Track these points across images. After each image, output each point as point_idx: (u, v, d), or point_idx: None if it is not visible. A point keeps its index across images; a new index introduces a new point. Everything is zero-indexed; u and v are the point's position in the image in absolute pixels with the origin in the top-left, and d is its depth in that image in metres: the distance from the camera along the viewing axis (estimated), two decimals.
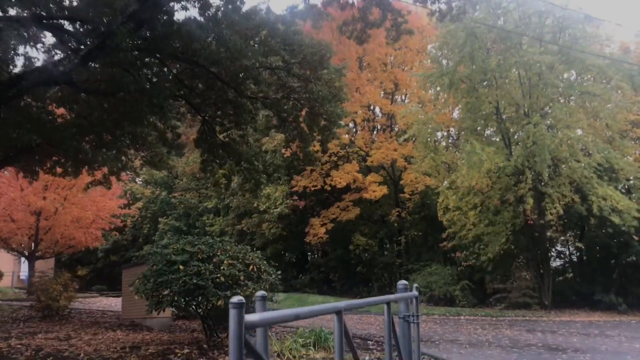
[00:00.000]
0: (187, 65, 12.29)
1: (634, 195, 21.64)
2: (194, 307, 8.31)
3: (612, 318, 18.86)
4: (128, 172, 17.43)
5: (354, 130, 31.48)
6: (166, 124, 14.55)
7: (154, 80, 12.94)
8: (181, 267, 7.97)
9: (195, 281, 7.81)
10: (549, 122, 21.60)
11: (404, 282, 5.51)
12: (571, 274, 24.91)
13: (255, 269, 8.66)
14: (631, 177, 22.88)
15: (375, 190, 26.74)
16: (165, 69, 12.68)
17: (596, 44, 22.01)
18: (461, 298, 23.41)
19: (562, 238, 24.66)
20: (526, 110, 21.22)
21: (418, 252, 28.83)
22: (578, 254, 24.74)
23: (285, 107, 14.16)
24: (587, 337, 11.51)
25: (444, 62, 23.67)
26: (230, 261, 8.33)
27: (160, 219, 39.83)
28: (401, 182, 28.77)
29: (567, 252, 25.74)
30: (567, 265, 25.73)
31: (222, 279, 7.90)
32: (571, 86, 20.83)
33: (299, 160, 29.52)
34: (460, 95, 22.02)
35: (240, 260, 8.62)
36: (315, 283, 32.11)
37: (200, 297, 7.88)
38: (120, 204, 24.16)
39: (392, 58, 29.04)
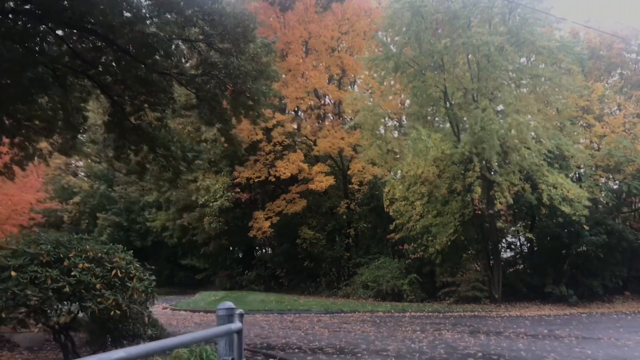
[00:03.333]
0: (81, 32, 10.59)
1: (584, 183, 20.93)
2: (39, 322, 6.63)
3: (563, 311, 18.16)
4: (38, 161, 15.51)
5: (301, 118, 30.00)
6: (66, 105, 12.84)
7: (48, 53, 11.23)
8: (13, 273, 6.33)
9: (29, 292, 6.16)
10: (498, 107, 20.70)
11: (227, 305, 4.07)
12: (522, 266, 24.15)
13: (120, 274, 7.06)
14: (582, 165, 22.22)
15: (322, 180, 25.37)
16: (55, 39, 10.92)
17: (547, 26, 21.16)
18: (409, 293, 22.34)
19: (513, 228, 23.83)
20: (475, 95, 20.19)
21: (367, 245, 27.64)
22: (529, 244, 24.00)
23: (208, 85, 12.59)
24: (535, 341, 10.39)
25: (391, 45, 22.41)
26: (86, 264, 6.75)
27: (98, 214, 37.57)
28: (348, 172, 27.50)
29: (518, 243, 24.96)
30: (517, 256, 24.97)
31: (68, 288, 6.31)
32: (521, 69, 19.86)
33: (242, 150, 27.94)
34: (406, 79, 20.80)
35: (101, 263, 7.03)
36: (262, 279, 30.65)
37: (34, 313, 6.24)
38: (39, 197, 22.08)
39: (339, 42, 27.66)
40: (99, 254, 7.20)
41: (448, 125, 21.80)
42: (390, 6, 20.81)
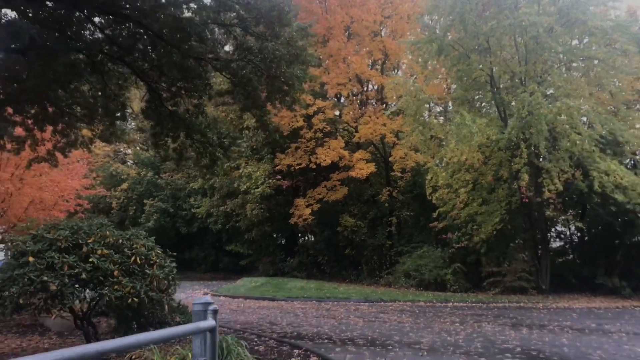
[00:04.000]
0: (115, 18, 10.56)
1: None
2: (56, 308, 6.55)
3: (615, 304, 17.25)
4: (82, 149, 15.75)
5: (343, 104, 29.65)
6: (105, 91, 12.93)
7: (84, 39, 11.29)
8: (31, 259, 6.27)
9: (45, 278, 6.08)
10: (547, 91, 19.83)
11: (202, 300, 3.81)
12: (572, 256, 23.21)
13: (139, 261, 6.94)
14: (637, 152, 21.07)
15: (363, 168, 24.99)
16: (91, 25, 10.95)
17: (601, 5, 20.09)
18: (452, 282, 21.80)
19: (563, 217, 22.86)
20: (523, 78, 19.39)
21: (410, 233, 27.15)
22: (579, 234, 23.00)
23: (244, 71, 12.42)
24: (581, 335, 9.82)
25: (435, 28, 21.75)
26: (105, 251, 6.65)
27: (145, 201, 38.30)
28: (390, 159, 27.01)
29: (568, 233, 23.98)
30: (567, 246, 23.99)
31: (85, 275, 6.25)
32: (571, 51, 18.89)
33: (284, 138, 27.88)
34: (450, 62, 20.16)
35: (121, 249, 6.93)
36: (304, 266, 30.59)
37: (51, 300, 6.16)
38: (85, 184, 22.54)
39: (382, 26, 27.08)
40: (120, 240, 7.12)
41: (494, 110, 21.06)
42: None
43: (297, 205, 27.24)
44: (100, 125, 14.59)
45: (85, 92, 13.37)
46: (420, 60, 21.39)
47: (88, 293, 6.46)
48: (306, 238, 35.07)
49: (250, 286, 22.09)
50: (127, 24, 11.03)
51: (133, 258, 6.88)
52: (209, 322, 3.74)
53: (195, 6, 11.84)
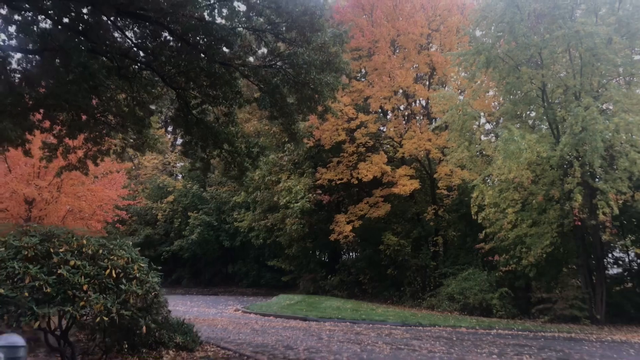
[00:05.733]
0: (135, 19, 10.30)
1: None
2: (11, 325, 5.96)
3: None
4: (117, 158, 15.64)
5: (387, 119, 28.90)
6: (134, 98, 12.74)
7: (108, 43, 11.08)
8: None
9: (1, 290, 5.50)
10: (603, 106, 18.53)
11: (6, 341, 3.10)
12: (630, 284, 21.50)
13: (115, 274, 6.35)
14: None
15: (406, 184, 24.12)
16: (115, 29, 10.73)
17: None
18: (499, 308, 20.55)
19: (621, 242, 21.23)
20: (577, 92, 18.17)
21: (455, 254, 25.97)
22: (639, 261, 21.30)
23: (275, 78, 11.96)
24: None
25: (483, 39, 20.80)
26: (78, 262, 6.11)
27: (190, 213, 38.48)
28: (435, 175, 26.01)
29: (627, 259, 22.27)
30: (626, 273, 22.26)
31: (49, 288, 5.70)
32: (632, 64, 17.57)
33: (326, 152, 27.38)
34: (499, 75, 19.14)
35: (99, 261, 6.37)
36: (345, 285, 29.81)
37: (8, 315, 5.60)
38: (123, 194, 22.62)
39: (429, 39, 26.28)
40: (100, 251, 6.60)
41: (546, 126, 19.88)
42: None
43: (338, 221, 26.56)
44: (133, 133, 14.47)
45: (119, 100, 13.24)
46: (467, 73, 20.47)
47: (45, 309, 5.83)
48: (348, 256, 34.28)
49: (284, 304, 21.48)
50: (149, 26, 10.76)
51: (108, 271, 6.33)
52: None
53: (225, 11, 11.52)
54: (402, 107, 27.97)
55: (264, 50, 12.55)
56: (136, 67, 11.97)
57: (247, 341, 11.26)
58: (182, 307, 21.98)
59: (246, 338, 11.84)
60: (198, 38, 11.40)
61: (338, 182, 26.54)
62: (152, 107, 13.31)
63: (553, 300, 19.40)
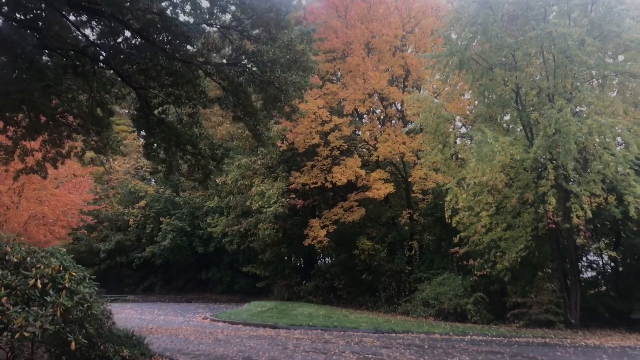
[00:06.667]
0: (90, 15, 9.74)
1: None
2: None
3: None
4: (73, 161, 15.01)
5: (361, 122, 28.53)
6: (93, 98, 12.16)
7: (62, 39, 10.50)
8: None
9: None
10: (577, 109, 18.40)
11: None
12: (605, 288, 21.40)
13: (41, 284, 5.80)
14: None
15: (380, 188, 23.75)
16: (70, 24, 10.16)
17: (637, 17, 18.64)
18: (474, 313, 20.29)
19: (595, 246, 21.13)
20: (550, 94, 18.00)
21: (431, 258, 25.66)
22: (613, 264, 21.22)
23: (240, 78, 11.47)
24: None
25: (457, 41, 20.56)
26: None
27: (162, 219, 37.67)
28: (410, 179, 25.70)
29: (601, 262, 22.18)
30: (600, 277, 22.16)
31: None
32: (604, 65, 17.43)
33: (300, 156, 26.92)
34: (472, 77, 18.90)
35: (19, 269, 5.82)
36: (320, 291, 29.33)
37: None
38: (87, 199, 21.86)
39: (403, 41, 25.99)
40: (29, 259, 6.05)
41: (520, 128, 19.70)
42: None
43: (312, 226, 26.08)
44: (95, 136, 13.87)
45: (81, 101, 12.64)
46: (441, 75, 20.20)
47: None
48: (323, 261, 33.83)
49: (254, 311, 20.88)
50: (107, 22, 10.21)
51: (33, 281, 5.77)
52: None
53: (188, 7, 11.03)
54: (377, 111, 27.68)
55: (229, 48, 12.08)
56: (95, 65, 11.38)
57: (206, 352, 10.69)
58: (149, 315, 21.29)
59: (206, 349, 11.26)
60: (158, 35, 10.89)
61: (312, 186, 26.08)
62: (116, 108, 12.73)
63: (528, 305, 19.17)
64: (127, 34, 11.24)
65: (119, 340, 7.05)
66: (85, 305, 6.20)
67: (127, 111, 14.76)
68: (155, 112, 12.11)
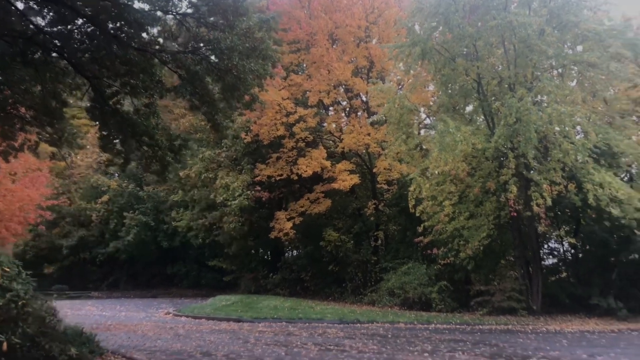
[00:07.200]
0: (43, 2, 9.37)
1: (637, 183, 18.53)
2: None
3: (610, 326, 15.93)
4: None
5: (326, 113, 28.41)
6: (45, 88, 11.72)
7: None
8: None
9: None
10: (537, 98, 18.64)
11: None
12: (565, 274, 21.81)
13: None
14: (634, 163, 19.78)
15: (346, 179, 23.73)
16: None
17: (594, 8, 18.93)
18: (438, 301, 20.44)
19: (556, 233, 21.49)
20: (511, 83, 18.18)
21: (396, 248, 25.76)
22: (573, 251, 21.62)
23: (198, 66, 11.18)
24: None
25: (420, 32, 20.57)
26: None
27: (125, 214, 36.95)
28: (374, 170, 25.73)
29: (562, 250, 22.59)
30: (560, 264, 22.58)
31: None
32: (563, 55, 17.67)
33: (265, 147, 26.69)
34: (434, 67, 18.95)
35: None
36: (287, 283, 29.22)
37: None
38: (45, 194, 21.23)
39: (367, 32, 25.90)
40: None
41: (481, 118, 19.86)
42: None
43: (278, 219, 25.90)
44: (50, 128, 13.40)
45: (34, 92, 12.18)
46: (403, 65, 20.19)
47: None
48: (291, 253, 33.70)
49: (219, 305, 20.62)
50: (59, 9, 9.82)
51: None
52: None
53: None
54: (342, 102, 27.61)
55: (186, 36, 11.78)
56: (46, 55, 10.96)
57: (163, 348, 10.45)
58: (110, 311, 20.83)
59: (164, 345, 11.01)
60: (111, 22, 10.55)
61: (278, 178, 25.87)
62: (71, 99, 12.32)
63: (491, 293, 19.40)
64: (80, 21, 10.86)
65: (66, 338, 6.78)
66: (19, 303, 5.89)
67: (82, 103, 14.26)
68: (110, 102, 11.74)
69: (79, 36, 10.75)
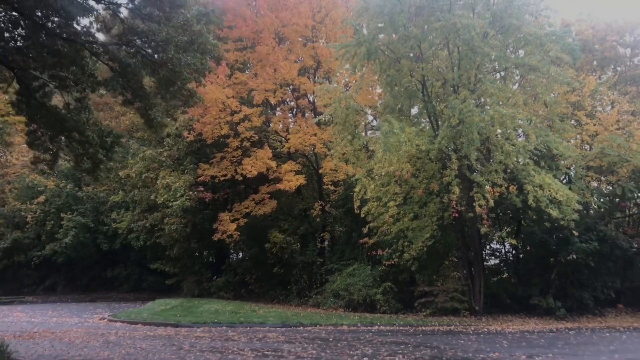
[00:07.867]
0: None
1: (575, 185, 19.01)
2: None
3: (550, 325, 16.32)
4: None
5: (272, 112, 28.00)
6: None
7: None
8: None
9: None
10: (481, 100, 18.86)
11: None
12: (506, 275, 22.18)
13: None
14: (572, 165, 20.32)
15: (291, 180, 23.36)
16: None
17: (536, 13, 19.31)
18: (383, 303, 20.39)
19: (498, 234, 21.82)
20: (455, 85, 18.30)
21: (342, 250, 25.62)
22: (514, 252, 22.02)
23: (133, 59, 10.61)
24: None
25: (365, 31, 20.47)
26: None
27: (63, 215, 35.37)
28: (320, 170, 25.50)
29: (503, 250, 22.98)
30: (502, 264, 22.96)
31: None
32: (505, 57, 17.90)
33: (209, 147, 26.05)
34: (379, 67, 18.87)
35: None
36: (232, 286, 28.59)
37: None
38: None
39: (314, 32, 25.64)
40: None
41: (426, 119, 19.93)
42: None
43: (222, 220, 25.26)
44: None
45: None
46: (349, 65, 20.02)
47: None
48: (236, 256, 33.06)
49: (157, 310, 19.86)
50: None
51: None
52: None
53: None
54: (289, 102, 27.26)
55: (120, 27, 11.19)
56: None
57: (87, 357, 9.80)
58: (41, 317, 19.71)
59: (89, 353, 10.32)
60: (37, 9, 9.88)
61: (222, 178, 25.23)
62: None
63: (435, 294, 19.49)
64: (2, 7, 10.14)
65: None
66: None
67: (7, 96, 13.43)
68: (37, 95, 11.01)
69: (2, 24, 10.04)
